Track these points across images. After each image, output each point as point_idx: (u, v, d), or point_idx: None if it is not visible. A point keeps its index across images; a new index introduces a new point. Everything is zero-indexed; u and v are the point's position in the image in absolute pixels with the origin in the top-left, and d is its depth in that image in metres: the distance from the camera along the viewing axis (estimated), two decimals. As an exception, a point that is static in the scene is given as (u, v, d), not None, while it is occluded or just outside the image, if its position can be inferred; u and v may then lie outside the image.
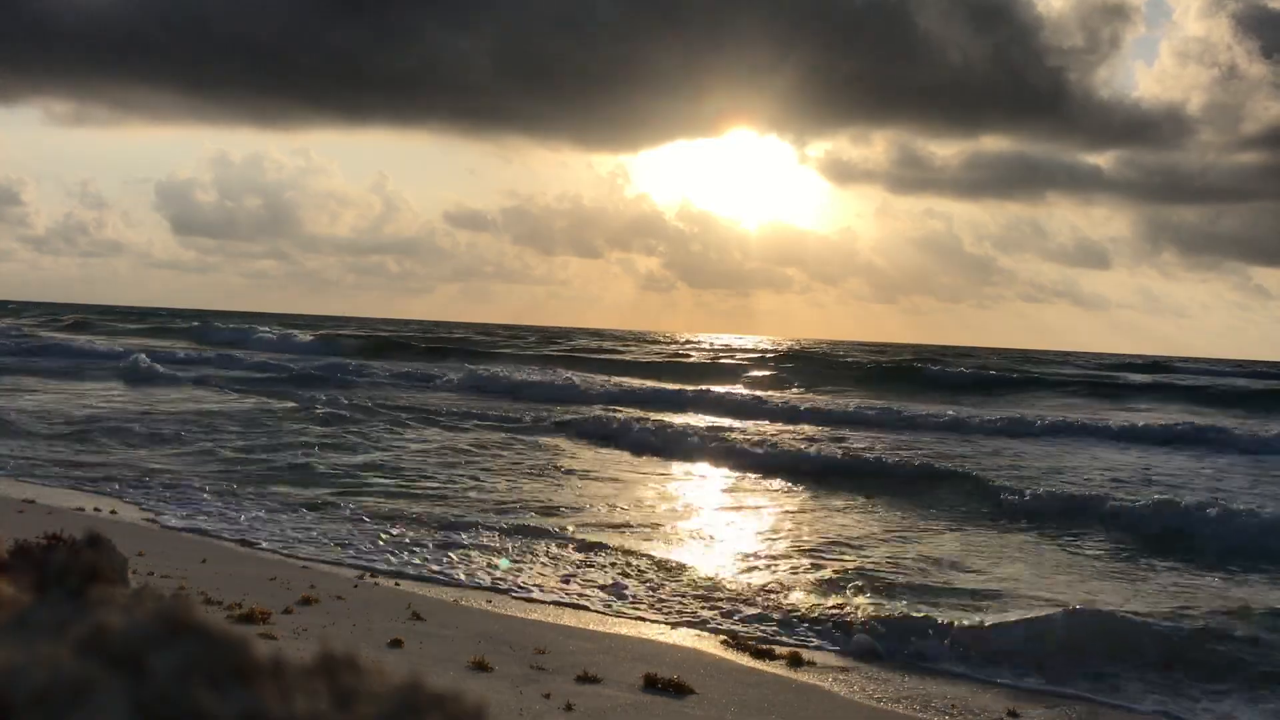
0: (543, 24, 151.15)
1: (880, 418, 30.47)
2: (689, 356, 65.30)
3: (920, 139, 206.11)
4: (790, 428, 28.08)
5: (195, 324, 76.47)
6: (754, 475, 19.18)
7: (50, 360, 39.72)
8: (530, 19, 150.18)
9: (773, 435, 25.30)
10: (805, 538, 13.62)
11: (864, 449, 23.02)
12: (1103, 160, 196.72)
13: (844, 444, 23.99)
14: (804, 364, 57.24)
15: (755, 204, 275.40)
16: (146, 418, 22.38)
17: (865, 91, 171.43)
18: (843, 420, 30.18)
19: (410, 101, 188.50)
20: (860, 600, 10.47)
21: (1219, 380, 55.70)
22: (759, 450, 21.20)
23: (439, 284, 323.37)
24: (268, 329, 69.00)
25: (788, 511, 15.71)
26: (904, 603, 10.48)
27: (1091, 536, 14.56)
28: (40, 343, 48.59)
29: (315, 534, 12.40)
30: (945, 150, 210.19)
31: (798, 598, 10.57)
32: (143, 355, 37.31)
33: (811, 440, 24.60)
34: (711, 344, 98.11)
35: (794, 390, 43.84)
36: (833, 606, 10.19)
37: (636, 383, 41.31)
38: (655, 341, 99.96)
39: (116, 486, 14.67)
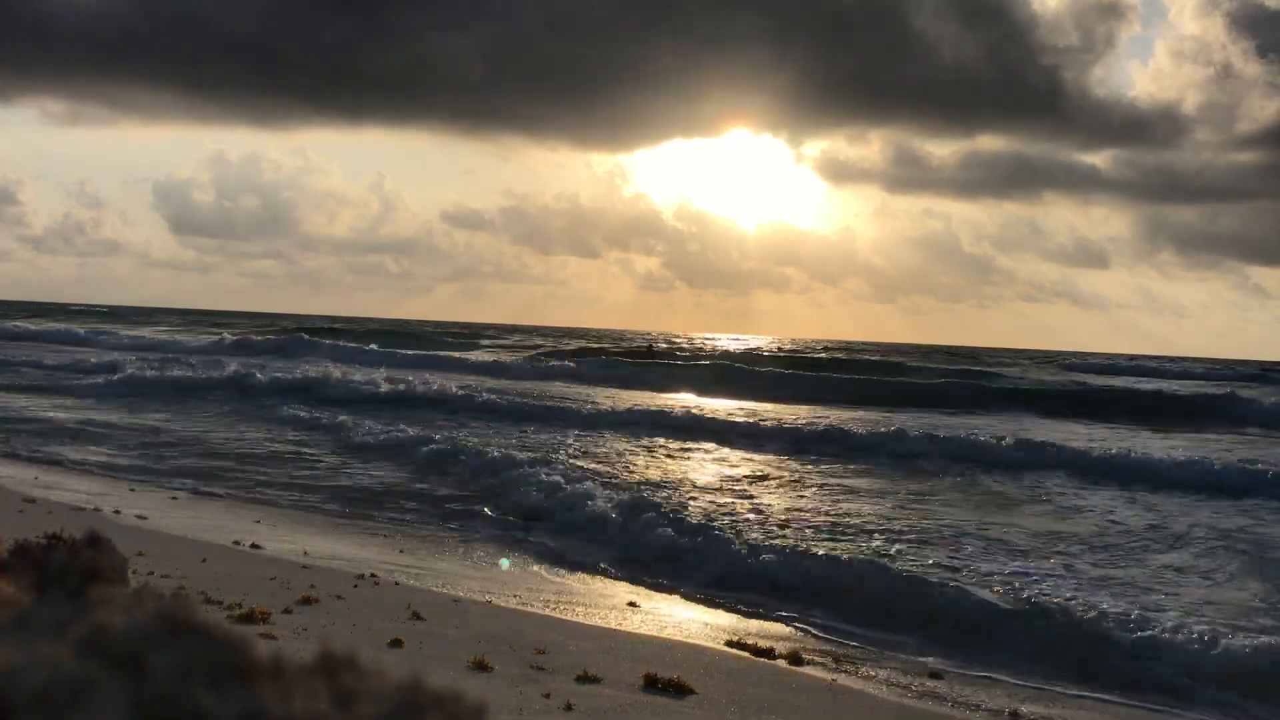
0: (540, 24, 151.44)
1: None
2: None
3: (917, 138, 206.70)
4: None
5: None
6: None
7: None
8: (527, 19, 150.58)
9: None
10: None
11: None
12: (1099, 160, 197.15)
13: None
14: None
15: (753, 204, 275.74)
16: None
17: (861, 91, 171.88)
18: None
19: (408, 101, 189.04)
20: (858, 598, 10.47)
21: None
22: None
23: (437, 284, 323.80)
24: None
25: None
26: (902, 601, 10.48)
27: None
28: None
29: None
30: (942, 150, 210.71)
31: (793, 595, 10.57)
32: None
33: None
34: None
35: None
36: (831, 605, 10.19)
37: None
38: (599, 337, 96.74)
39: None
